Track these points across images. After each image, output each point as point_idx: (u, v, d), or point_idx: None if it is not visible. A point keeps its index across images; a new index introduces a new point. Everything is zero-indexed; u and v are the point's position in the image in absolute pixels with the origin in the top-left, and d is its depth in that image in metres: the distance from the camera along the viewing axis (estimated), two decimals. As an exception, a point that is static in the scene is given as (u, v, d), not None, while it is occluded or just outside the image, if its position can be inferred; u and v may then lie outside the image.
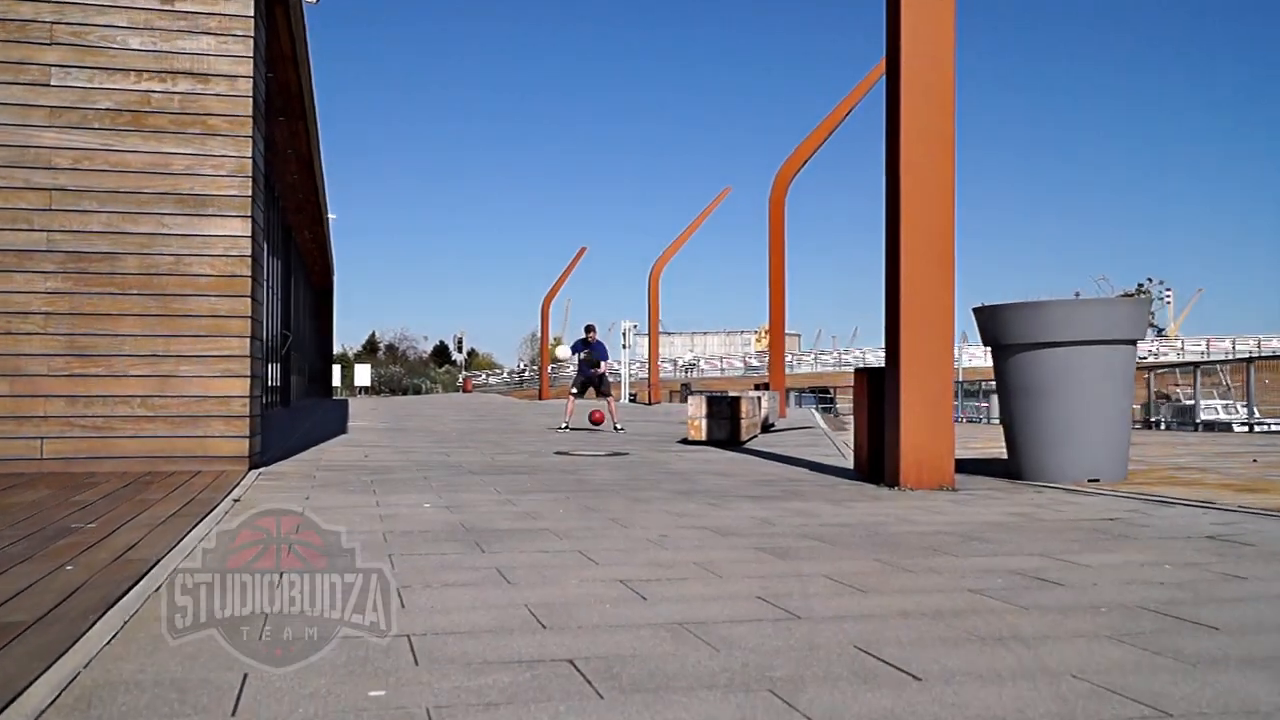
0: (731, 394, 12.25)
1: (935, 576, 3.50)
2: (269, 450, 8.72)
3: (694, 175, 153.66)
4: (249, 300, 6.95)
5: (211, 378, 6.88)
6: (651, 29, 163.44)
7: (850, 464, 8.85)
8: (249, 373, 6.95)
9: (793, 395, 41.40)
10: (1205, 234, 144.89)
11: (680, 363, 65.12)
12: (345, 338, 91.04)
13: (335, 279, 47.19)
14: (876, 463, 6.99)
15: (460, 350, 70.83)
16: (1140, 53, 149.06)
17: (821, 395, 51.37)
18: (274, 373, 23.07)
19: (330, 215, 28.00)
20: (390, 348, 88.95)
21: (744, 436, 11.53)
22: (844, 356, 60.70)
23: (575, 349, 14.97)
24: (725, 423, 11.45)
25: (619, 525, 4.70)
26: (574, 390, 14.97)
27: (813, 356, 62.13)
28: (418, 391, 68.50)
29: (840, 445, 11.57)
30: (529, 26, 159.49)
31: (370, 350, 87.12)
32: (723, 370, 63.45)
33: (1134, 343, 7.06)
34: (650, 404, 34.24)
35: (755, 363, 65.21)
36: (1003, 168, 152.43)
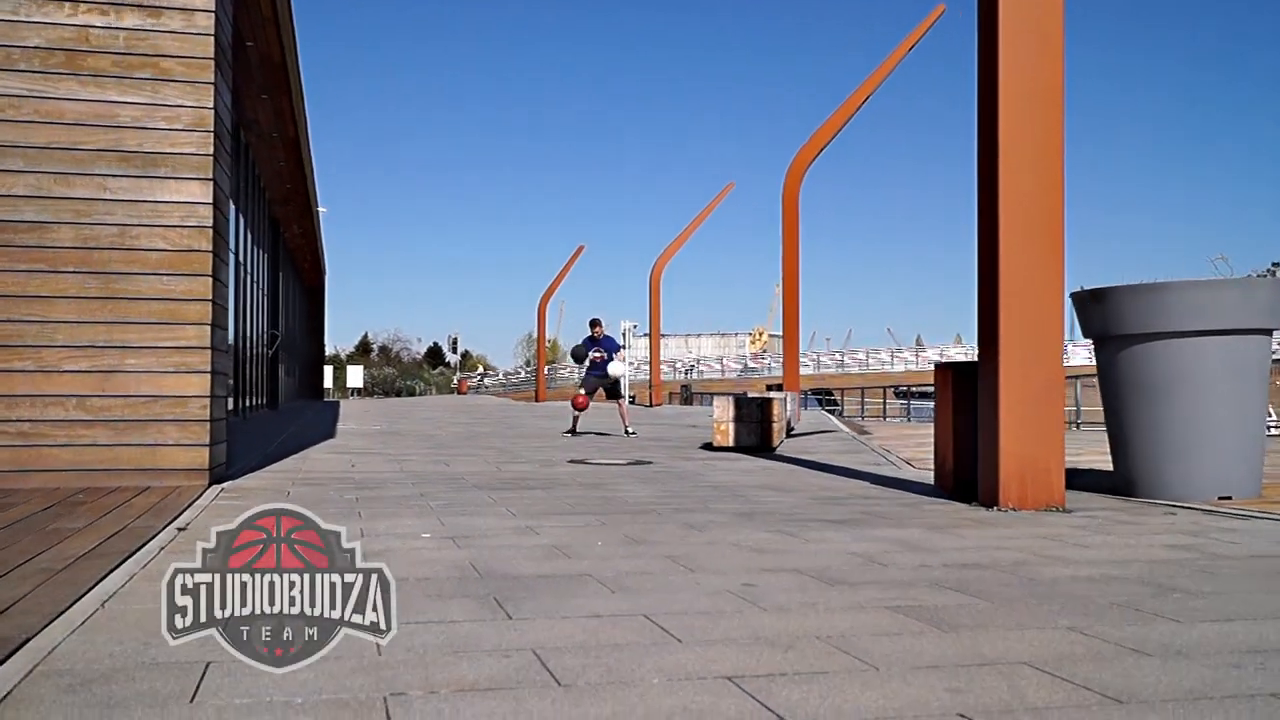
0: (756, 395, 11.10)
1: (1196, 666, 2.33)
2: (240, 460, 7.53)
3: (696, 171, 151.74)
4: (210, 280, 5.77)
5: (164, 374, 5.69)
6: (653, 16, 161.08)
7: (908, 474, 7.70)
8: (210, 368, 5.76)
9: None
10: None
11: (679, 364, 63.83)
12: (337, 338, 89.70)
13: (327, 277, 46.01)
14: (964, 476, 5.83)
15: (455, 351, 69.44)
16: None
17: (824, 397, 50.27)
18: (261, 374, 21.87)
19: (320, 208, 26.77)
20: (383, 349, 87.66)
21: (775, 442, 10.37)
22: (846, 358, 59.50)
23: (582, 350, 13.75)
24: (755, 426, 10.29)
25: (682, 567, 3.53)
26: (582, 392, 13.79)
27: (814, 358, 60.87)
28: (411, 393, 67.33)
29: (881, 451, 10.42)
30: (526, 13, 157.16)
31: (363, 351, 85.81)
32: (723, 372, 62.17)
33: (1270, 332, 5.91)
34: (651, 405, 33.11)
35: (753, 365, 64.04)
36: (1100, 141, 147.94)
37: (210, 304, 5.76)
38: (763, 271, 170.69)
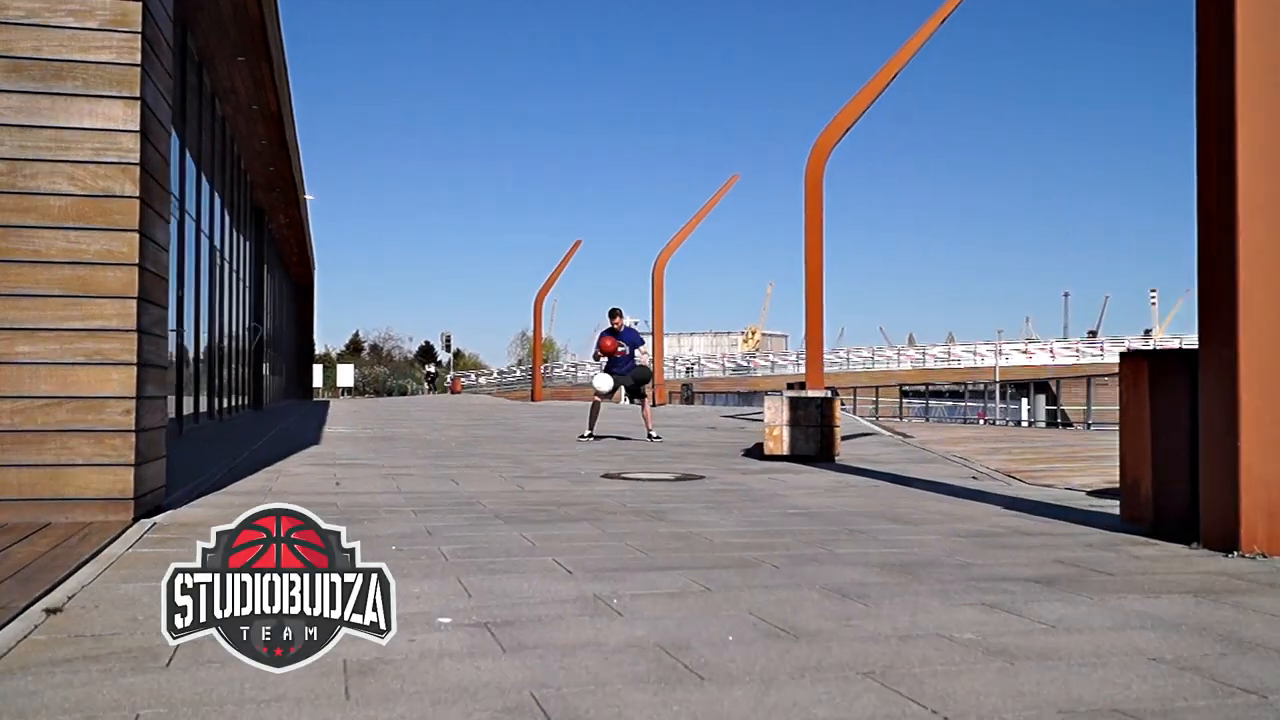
0: (812, 394, 9.55)
1: None
2: (199, 474, 5.96)
3: (694, 164, 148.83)
4: (136, 238, 4.18)
5: (71, 366, 4.10)
6: (653, 4, 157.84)
7: (1027, 492, 6.16)
8: (136, 358, 4.17)
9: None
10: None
11: (679, 363, 62.17)
12: (328, 337, 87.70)
13: (316, 273, 44.35)
14: (1173, 507, 4.27)
15: (448, 349, 67.58)
16: None
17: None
18: (243, 372, 20.25)
19: (308, 196, 25.10)
20: (375, 348, 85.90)
21: (836, 449, 8.81)
22: (851, 355, 57.83)
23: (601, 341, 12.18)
24: (814, 432, 8.74)
25: (918, 707, 1.97)
26: (601, 392, 12.20)
27: (829, 356, 59.22)
28: (403, 393, 65.72)
29: (959, 460, 8.88)
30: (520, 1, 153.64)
31: (354, 350, 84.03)
32: (725, 370, 60.55)
33: None
34: (655, 405, 31.54)
35: (763, 363, 62.49)
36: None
37: (137, 270, 4.17)
38: (755, 270, 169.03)
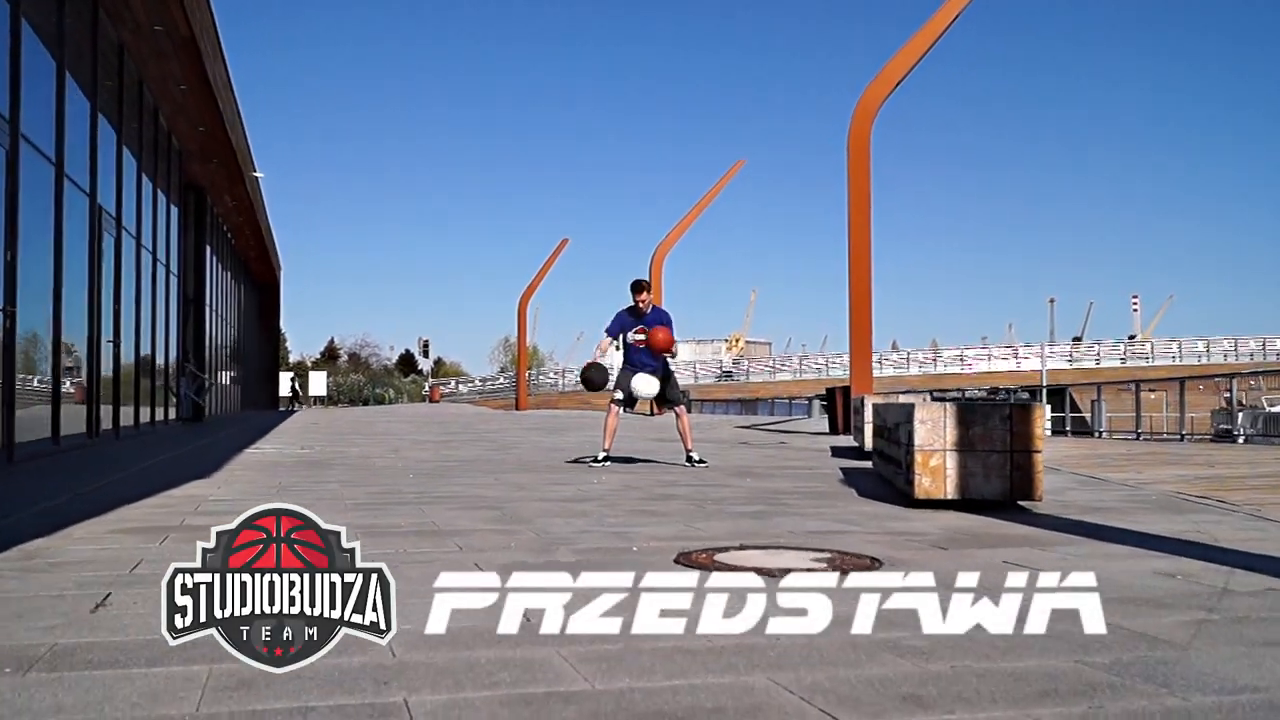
0: (990, 399, 6.13)
1: None
2: None
3: (686, 164, 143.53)
4: None
5: None
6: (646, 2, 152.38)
7: None
8: None
9: (795, 405, 35.18)
10: (1172, 239, 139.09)
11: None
12: (304, 345, 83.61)
13: (283, 274, 40.77)
14: None
15: (426, 355, 63.75)
16: None
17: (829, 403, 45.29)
18: (164, 377, 16.66)
19: (256, 172, 21.45)
20: (352, 355, 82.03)
21: (1037, 491, 5.34)
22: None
23: (617, 328, 8.68)
24: (999, 460, 5.28)
25: None
26: (618, 397, 8.66)
27: (820, 361, 55.89)
28: (380, 402, 62.06)
29: (1221, 504, 5.48)
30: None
31: (330, 358, 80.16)
32: (719, 378, 57.01)
33: None
34: (653, 414, 28.06)
35: (764, 369, 59.12)
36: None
37: None
38: (734, 277, 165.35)
